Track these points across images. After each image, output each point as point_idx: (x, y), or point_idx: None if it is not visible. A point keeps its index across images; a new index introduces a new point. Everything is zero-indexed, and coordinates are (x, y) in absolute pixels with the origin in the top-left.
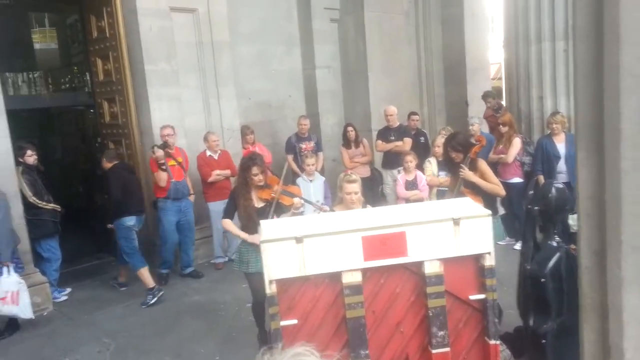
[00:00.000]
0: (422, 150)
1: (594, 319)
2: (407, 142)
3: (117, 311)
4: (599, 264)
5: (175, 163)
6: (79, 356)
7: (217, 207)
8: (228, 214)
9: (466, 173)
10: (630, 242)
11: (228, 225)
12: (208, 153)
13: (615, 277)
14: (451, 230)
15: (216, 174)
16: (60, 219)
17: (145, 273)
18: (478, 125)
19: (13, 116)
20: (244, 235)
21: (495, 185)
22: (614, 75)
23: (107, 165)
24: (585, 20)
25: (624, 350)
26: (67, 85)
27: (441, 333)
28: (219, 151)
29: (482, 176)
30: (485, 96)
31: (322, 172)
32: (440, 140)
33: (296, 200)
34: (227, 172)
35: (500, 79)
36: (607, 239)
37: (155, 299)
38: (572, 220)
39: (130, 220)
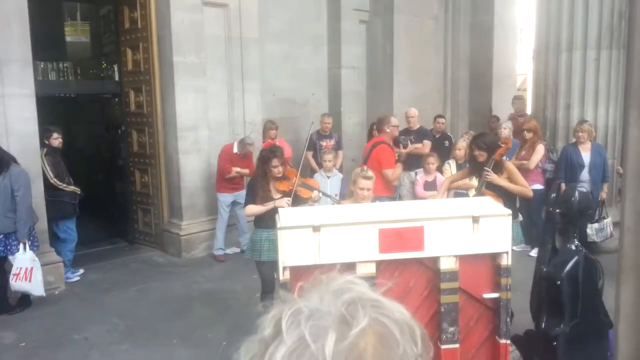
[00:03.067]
0: (446, 154)
1: (633, 279)
2: (427, 145)
3: (129, 294)
4: None
5: None
6: (88, 334)
7: (225, 198)
8: (249, 202)
9: (492, 177)
10: None
11: (252, 208)
12: (235, 150)
13: None
14: (470, 228)
15: (236, 171)
16: (78, 202)
17: None
18: (510, 130)
19: (41, 102)
20: (271, 203)
21: (523, 187)
22: None
23: None
24: None
25: None
26: (95, 75)
27: (452, 329)
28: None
29: (510, 177)
30: (517, 99)
31: (340, 171)
32: (462, 144)
33: (314, 193)
34: (246, 171)
35: (525, 90)
36: None
37: None
38: (590, 229)
39: None
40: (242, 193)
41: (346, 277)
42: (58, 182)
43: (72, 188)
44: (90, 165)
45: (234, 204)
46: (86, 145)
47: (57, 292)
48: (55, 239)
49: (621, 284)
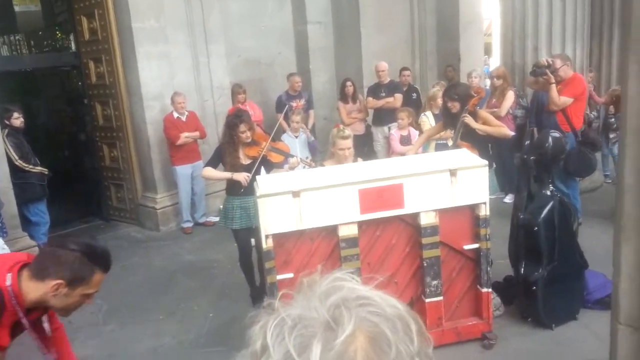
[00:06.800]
0: (414, 107)
1: (635, 239)
2: (398, 99)
3: (110, 272)
4: None
5: None
6: (72, 317)
7: (184, 170)
8: (210, 164)
9: (469, 120)
10: None
11: (210, 172)
12: (175, 115)
13: None
14: (447, 181)
15: (184, 137)
16: (47, 182)
17: None
18: (480, 79)
19: None
20: (228, 174)
21: (500, 127)
22: None
23: None
24: None
25: None
26: (51, 47)
27: (435, 282)
28: (186, 112)
29: (485, 123)
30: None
31: (313, 131)
32: (439, 93)
33: (293, 160)
34: (196, 134)
35: (490, 35)
36: None
37: None
38: None
39: None
40: (200, 164)
41: (334, 275)
42: (24, 164)
43: (39, 169)
44: (55, 142)
45: (192, 177)
46: (48, 121)
47: None
48: (26, 223)
49: (622, 244)
